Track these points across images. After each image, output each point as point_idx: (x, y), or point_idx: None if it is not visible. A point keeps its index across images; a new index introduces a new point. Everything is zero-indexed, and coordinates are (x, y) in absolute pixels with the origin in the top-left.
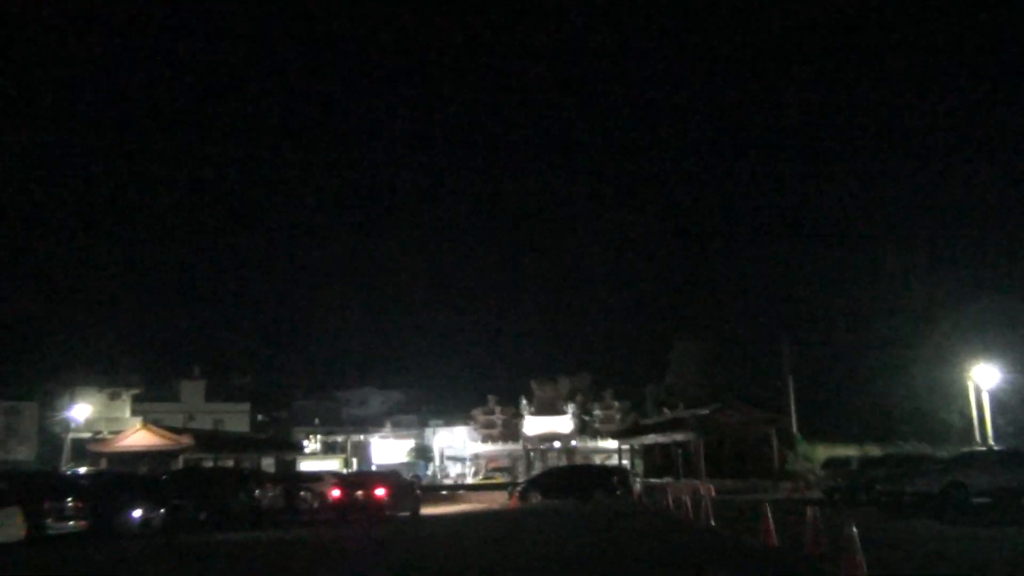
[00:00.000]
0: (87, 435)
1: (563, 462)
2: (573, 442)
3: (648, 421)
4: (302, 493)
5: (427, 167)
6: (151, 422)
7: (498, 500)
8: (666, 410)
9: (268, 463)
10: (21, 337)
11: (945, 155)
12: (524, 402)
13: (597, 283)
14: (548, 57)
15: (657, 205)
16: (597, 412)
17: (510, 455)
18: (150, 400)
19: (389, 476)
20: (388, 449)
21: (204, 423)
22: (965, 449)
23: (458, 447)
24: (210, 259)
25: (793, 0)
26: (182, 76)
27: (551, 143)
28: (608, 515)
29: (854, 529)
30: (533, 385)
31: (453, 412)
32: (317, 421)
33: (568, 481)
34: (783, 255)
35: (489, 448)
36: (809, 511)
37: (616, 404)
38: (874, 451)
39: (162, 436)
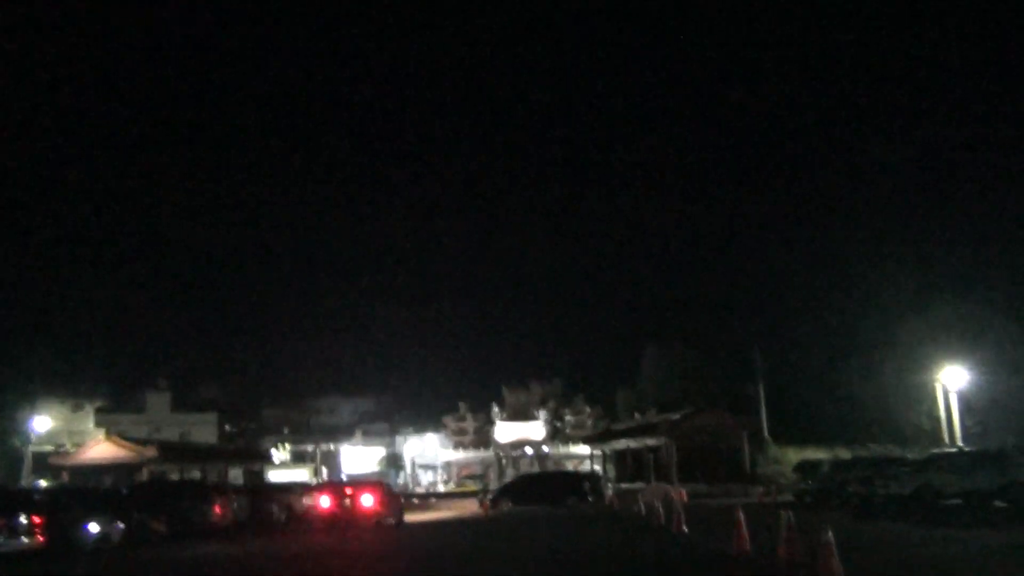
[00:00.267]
0: (49, 448)
1: (535, 468)
2: (545, 448)
3: (620, 426)
4: (273, 505)
5: (394, 172)
6: (115, 434)
7: (470, 508)
8: (638, 415)
9: (236, 474)
10: None
11: (911, 161)
12: (496, 409)
13: (569, 289)
14: (513, 61)
15: (629, 212)
16: (569, 418)
17: (482, 462)
18: (115, 412)
19: (377, 484)
20: (358, 458)
21: (170, 434)
22: (935, 451)
23: (430, 455)
24: (176, 268)
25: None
26: (129, 85)
27: (522, 150)
28: (580, 521)
29: (830, 534)
30: (505, 391)
31: (424, 420)
32: (286, 430)
33: (539, 488)
34: (754, 260)
35: (461, 455)
36: (782, 515)
37: (588, 410)
38: (844, 454)
39: (126, 448)
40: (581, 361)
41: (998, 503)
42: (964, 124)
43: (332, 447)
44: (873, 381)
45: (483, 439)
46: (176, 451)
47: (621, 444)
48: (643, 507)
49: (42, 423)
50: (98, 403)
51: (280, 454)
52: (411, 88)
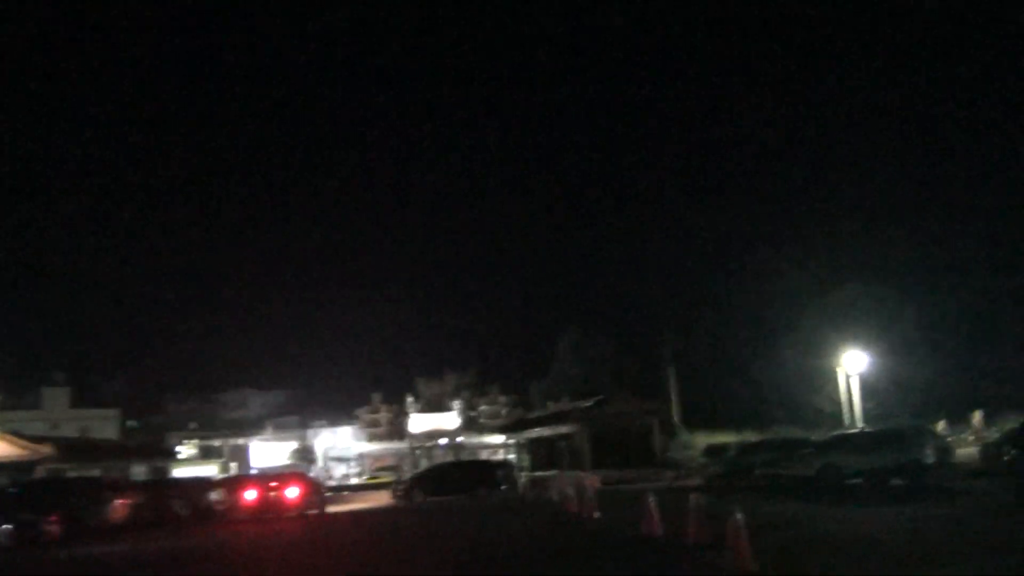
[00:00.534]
0: None
1: (450, 459)
2: (459, 438)
3: (534, 415)
4: (174, 501)
5: (306, 163)
6: (9, 432)
7: (384, 499)
8: (551, 403)
9: (140, 471)
10: None
11: (809, 146)
12: (410, 400)
13: (481, 279)
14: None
15: (542, 202)
16: (483, 407)
17: (396, 453)
18: (8, 408)
19: (300, 475)
20: (268, 452)
21: (69, 431)
22: (837, 432)
23: (342, 447)
24: (74, 257)
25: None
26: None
27: (432, 139)
28: (492, 510)
29: (739, 516)
30: (419, 382)
31: (337, 412)
32: (193, 425)
33: (452, 477)
34: (664, 248)
35: (375, 447)
36: (692, 498)
37: (502, 399)
38: (751, 437)
39: (19, 446)
40: (495, 351)
41: (896, 481)
42: (867, 104)
43: (241, 442)
44: (778, 366)
45: (397, 430)
46: (74, 449)
47: (535, 433)
48: (556, 495)
49: None
50: None
51: (187, 449)
52: (326, 66)
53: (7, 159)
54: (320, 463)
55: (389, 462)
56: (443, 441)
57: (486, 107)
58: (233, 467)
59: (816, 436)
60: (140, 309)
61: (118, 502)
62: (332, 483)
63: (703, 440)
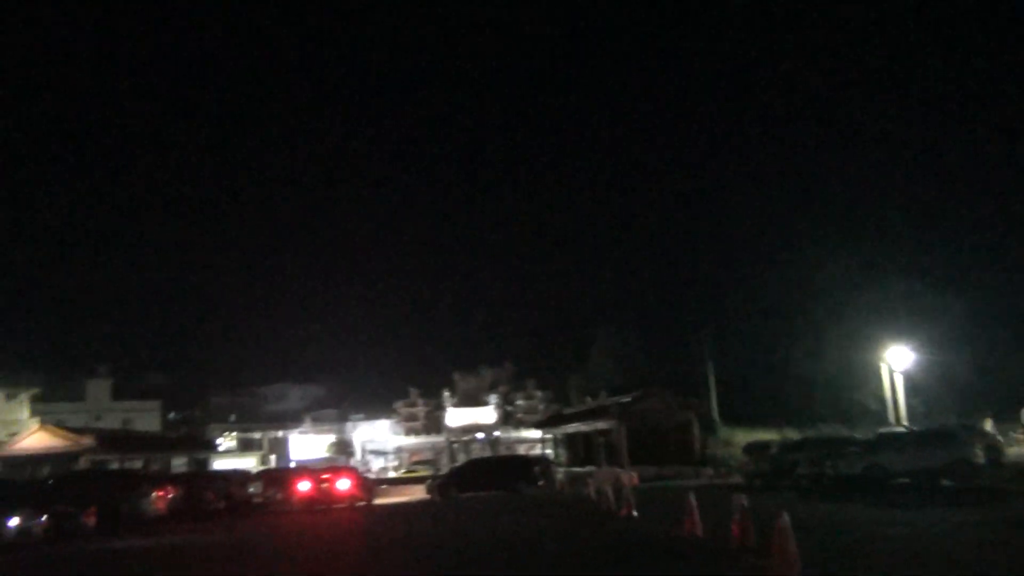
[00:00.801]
0: None
1: (487, 453)
2: (496, 433)
3: (571, 410)
4: (211, 495)
5: (346, 160)
6: (53, 423)
7: (420, 493)
8: (588, 399)
9: (181, 463)
10: None
11: (856, 140)
12: (447, 394)
13: (520, 274)
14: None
15: (578, 195)
16: (520, 402)
17: (433, 447)
18: (52, 400)
19: (351, 469)
20: (307, 445)
21: (112, 423)
22: (883, 430)
23: (380, 441)
24: (119, 252)
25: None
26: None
27: (472, 137)
28: (528, 506)
29: (786, 518)
30: (455, 376)
31: (375, 406)
32: (233, 418)
33: (488, 472)
34: (702, 243)
35: (412, 441)
36: (735, 498)
37: (539, 394)
38: (792, 435)
39: (62, 437)
40: (532, 346)
41: (945, 482)
42: (912, 106)
43: (280, 434)
44: (820, 362)
45: (434, 424)
46: (116, 440)
47: (572, 428)
48: (593, 491)
49: None
50: (33, 391)
51: (227, 442)
52: (361, 65)
53: (57, 153)
54: (358, 456)
55: (426, 456)
56: (480, 436)
57: (526, 99)
58: (272, 459)
59: (860, 434)
60: (183, 303)
61: (157, 494)
62: (370, 476)
63: (742, 437)
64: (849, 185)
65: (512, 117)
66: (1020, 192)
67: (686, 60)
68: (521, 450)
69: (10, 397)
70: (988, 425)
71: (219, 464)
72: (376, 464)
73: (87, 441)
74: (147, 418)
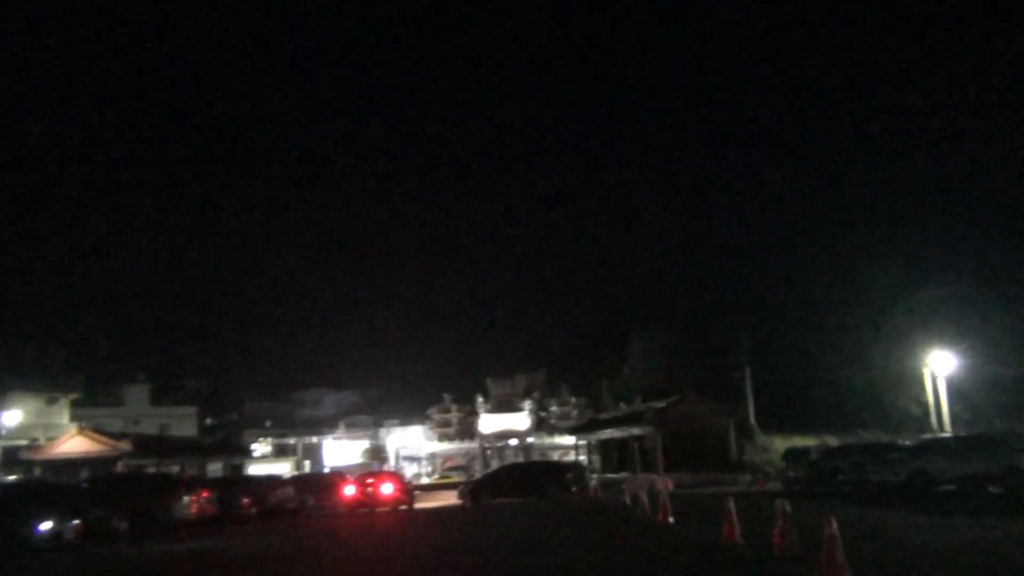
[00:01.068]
0: (23, 442)
1: (520, 459)
2: (530, 439)
3: (605, 416)
4: (245, 500)
5: (378, 164)
6: (92, 428)
7: (453, 499)
8: (623, 404)
9: (216, 468)
10: None
11: (898, 143)
12: (480, 400)
13: (553, 279)
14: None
15: (614, 201)
16: (554, 408)
17: (466, 453)
18: (91, 405)
19: (393, 474)
20: (341, 450)
21: (149, 428)
22: (927, 436)
23: (414, 447)
24: (157, 260)
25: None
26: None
27: (504, 142)
28: (562, 513)
29: (835, 527)
30: (489, 382)
31: (409, 411)
32: (269, 423)
33: (521, 478)
34: (740, 246)
35: (445, 447)
36: (778, 505)
37: (573, 400)
38: (832, 441)
39: (99, 442)
40: (566, 351)
41: (993, 489)
42: (958, 104)
43: (315, 440)
44: (861, 367)
45: (467, 430)
46: (152, 445)
47: (606, 434)
48: (628, 497)
49: (12, 416)
50: (73, 396)
51: (262, 447)
52: (388, 73)
53: (95, 160)
54: (392, 462)
55: (459, 462)
56: (513, 442)
57: (560, 98)
58: (306, 465)
59: (903, 439)
60: (222, 310)
61: (191, 499)
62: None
63: (781, 443)
64: (893, 185)
65: (551, 120)
66: None
67: (722, 54)
68: (555, 456)
69: (51, 402)
70: None
71: (254, 469)
72: (409, 470)
73: (124, 446)
74: (184, 423)
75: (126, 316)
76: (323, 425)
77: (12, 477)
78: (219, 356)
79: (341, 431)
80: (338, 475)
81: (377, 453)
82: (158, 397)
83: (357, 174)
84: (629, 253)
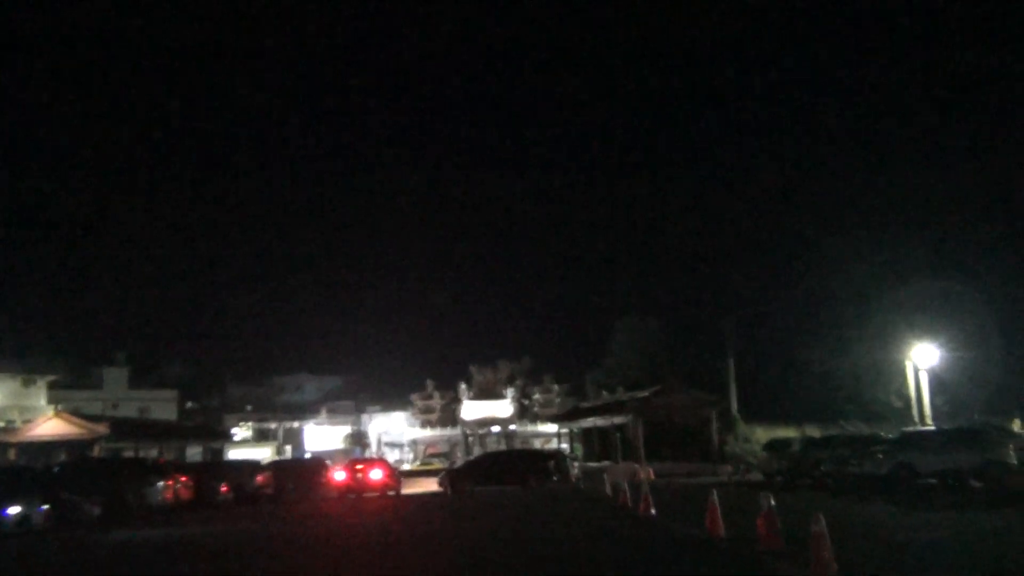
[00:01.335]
0: None
1: (502, 447)
2: (512, 426)
3: (588, 404)
4: (221, 485)
5: (360, 151)
6: (69, 410)
7: (434, 486)
8: (606, 393)
9: (196, 452)
10: None
11: (882, 134)
12: (463, 387)
13: (537, 267)
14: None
15: (598, 189)
16: (537, 396)
17: (449, 440)
18: (70, 387)
19: (382, 460)
20: (323, 436)
21: (129, 411)
22: (909, 429)
23: (396, 433)
24: (139, 243)
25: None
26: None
27: (486, 129)
28: (541, 502)
29: (823, 522)
30: (472, 369)
31: (391, 397)
32: (250, 408)
33: (503, 466)
34: (724, 238)
35: (427, 433)
36: (762, 498)
37: (556, 388)
38: (814, 432)
39: (76, 425)
40: (550, 339)
41: (975, 483)
42: (942, 100)
43: (296, 425)
44: (843, 359)
45: (450, 417)
46: (131, 428)
47: (589, 422)
48: (609, 487)
49: None
50: (51, 378)
51: (243, 432)
52: (374, 63)
53: (73, 144)
54: (374, 448)
55: (441, 449)
56: (496, 429)
57: (546, 90)
58: (287, 450)
59: (885, 432)
60: (201, 293)
61: (166, 484)
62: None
63: (763, 434)
64: (876, 178)
65: (535, 110)
66: None
67: (713, 50)
68: (537, 444)
69: (27, 384)
70: (1017, 426)
71: (234, 454)
72: (391, 456)
73: (102, 429)
74: (164, 407)
75: (106, 298)
76: (305, 410)
77: None
78: (200, 340)
79: (323, 416)
80: (319, 461)
81: (359, 439)
82: (137, 380)
83: (340, 161)
84: (615, 244)
